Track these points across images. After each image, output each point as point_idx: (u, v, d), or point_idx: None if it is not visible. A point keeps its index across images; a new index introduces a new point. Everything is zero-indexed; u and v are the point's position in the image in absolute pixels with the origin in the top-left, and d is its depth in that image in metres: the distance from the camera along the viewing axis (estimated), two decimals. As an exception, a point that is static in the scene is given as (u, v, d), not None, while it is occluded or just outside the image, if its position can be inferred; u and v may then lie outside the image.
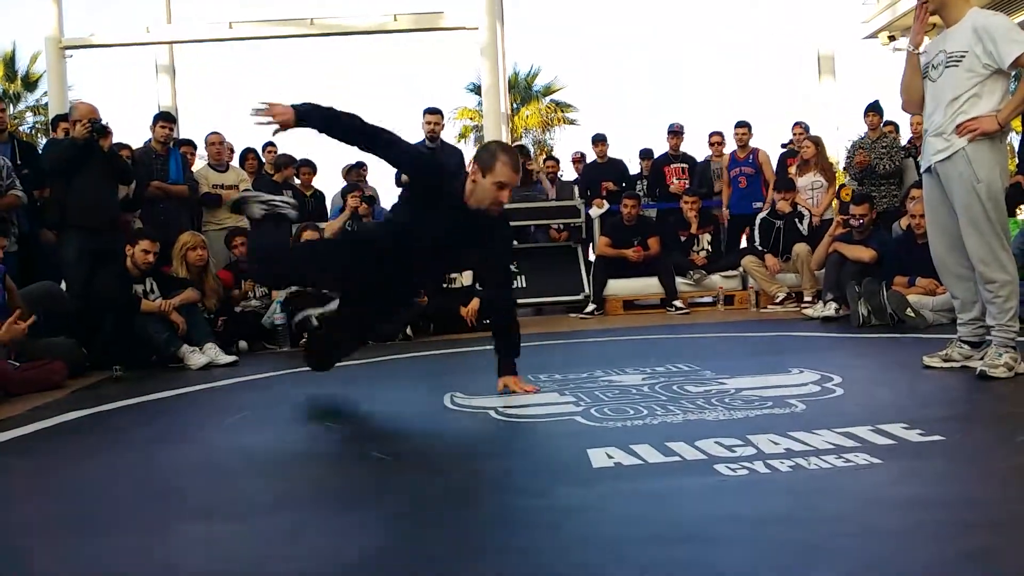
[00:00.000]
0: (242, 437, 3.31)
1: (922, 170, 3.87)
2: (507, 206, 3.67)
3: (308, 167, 8.49)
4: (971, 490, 2.17)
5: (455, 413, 3.50)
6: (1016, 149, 7.24)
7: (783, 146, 9.53)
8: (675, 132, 9.39)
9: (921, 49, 3.82)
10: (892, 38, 14.45)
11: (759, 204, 8.42)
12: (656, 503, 2.13)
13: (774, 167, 8.90)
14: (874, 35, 14.47)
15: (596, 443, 2.72)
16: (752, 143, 8.86)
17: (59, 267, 6.19)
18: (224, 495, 2.45)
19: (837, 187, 8.47)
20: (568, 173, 10.45)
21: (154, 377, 5.10)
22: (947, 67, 3.62)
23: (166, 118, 7.56)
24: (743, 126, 8.81)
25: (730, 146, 9.20)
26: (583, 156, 9.96)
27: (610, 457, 2.54)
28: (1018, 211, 8.16)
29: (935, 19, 3.84)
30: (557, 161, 10.44)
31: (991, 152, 3.58)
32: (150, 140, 7.45)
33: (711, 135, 9.39)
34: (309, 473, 2.67)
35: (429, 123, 7.81)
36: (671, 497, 2.17)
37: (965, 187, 3.58)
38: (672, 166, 9.34)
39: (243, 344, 6.27)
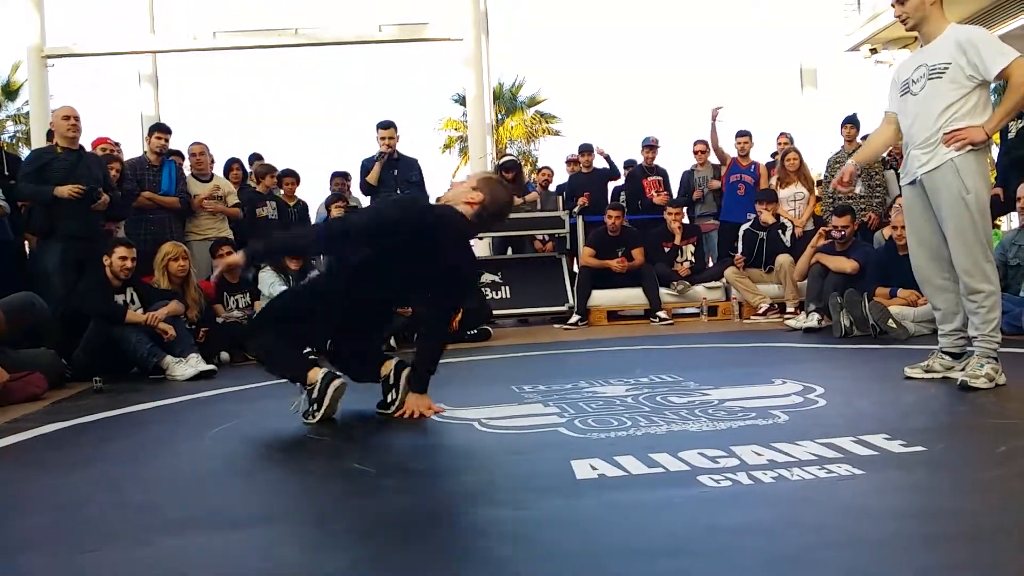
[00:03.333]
0: (222, 450, 3.28)
1: (904, 183, 3.90)
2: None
3: (291, 177, 8.45)
4: (952, 501, 2.17)
5: (438, 424, 3.49)
6: (994, 161, 7.32)
7: (772, 155, 9.56)
8: (650, 146, 9.44)
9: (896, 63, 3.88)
10: (874, 51, 14.60)
11: (752, 216, 8.41)
12: (639, 515, 2.13)
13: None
14: (856, 48, 14.62)
15: (580, 454, 2.71)
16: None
17: (40, 277, 6.12)
18: (203, 508, 2.43)
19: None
20: (561, 176, 10.50)
21: (135, 389, 5.05)
22: (929, 79, 3.65)
23: (161, 129, 7.53)
24: (744, 135, 8.82)
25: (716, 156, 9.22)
26: (577, 159, 10.00)
27: (594, 468, 2.54)
28: (999, 223, 8.25)
29: (913, 34, 3.89)
30: (552, 171, 10.49)
31: (977, 163, 3.61)
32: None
33: (695, 143, 9.42)
34: (288, 486, 2.65)
35: (383, 138, 7.72)
36: (654, 509, 2.17)
37: (953, 198, 3.60)
38: (649, 179, 9.37)
39: (225, 355, 6.22)
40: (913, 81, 3.73)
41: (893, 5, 3.77)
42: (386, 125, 7.77)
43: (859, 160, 4.14)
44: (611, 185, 9.90)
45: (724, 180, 8.86)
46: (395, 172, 7.61)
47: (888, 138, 4.05)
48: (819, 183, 8.56)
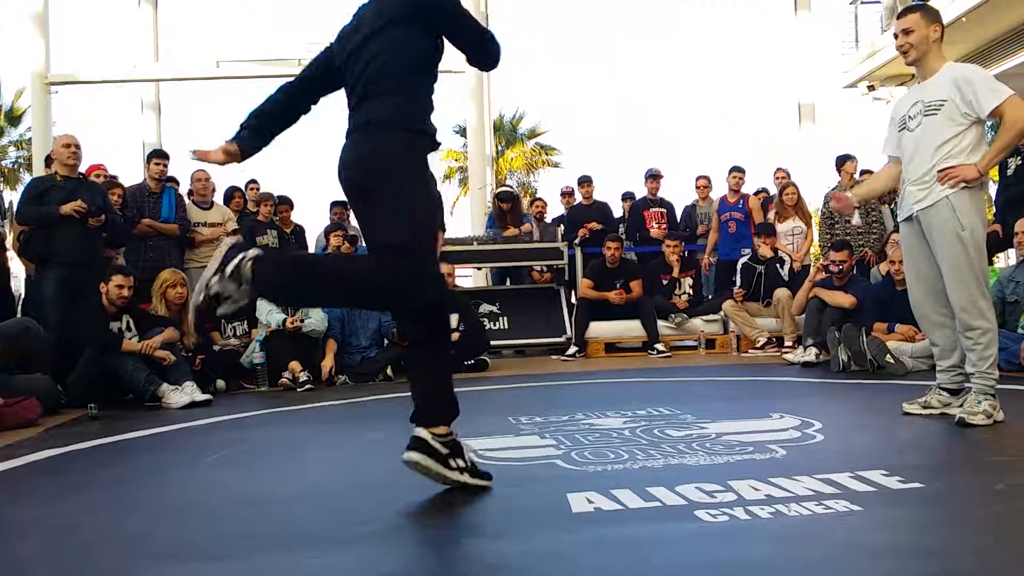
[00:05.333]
0: (217, 478, 3.26)
1: (900, 219, 3.93)
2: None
3: (285, 204, 8.50)
4: (950, 538, 2.16)
5: (434, 455, 3.46)
6: (992, 198, 7.35)
7: (758, 191, 9.59)
8: (653, 176, 9.44)
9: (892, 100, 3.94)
10: (871, 88, 14.73)
11: (747, 250, 8.43)
12: (636, 549, 2.11)
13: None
14: (854, 85, 14.75)
15: (576, 487, 2.69)
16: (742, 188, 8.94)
17: (38, 302, 6.11)
18: (196, 537, 2.41)
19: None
20: (555, 208, 10.52)
21: (130, 416, 5.03)
22: (925, 115, 3.68)
23: (160, 155, 7.60)
24: (738, 171, 8.87)
25: (719, 190, 9.27)
26: (572, 191, 10.05)
27: (590, 502, 2.52)
28: (995, 259, 8.27)
29: (911, 70, 3.93)
30: (545, 203, 10.52)
31: (973, 200, 3.63)
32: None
33: (698, 179, 9.45)
34: (281, 515, 2.62)
35: None
36: (651, 543, 2.15)
37: (949, 235, 3.62)
38: (651, 210, 9.39)
39: (221, 383, 6.20)
40: (910, 117, 3.77)
41: (896, 35, 3.81)
42: None
43: (858, 195, 4.26)
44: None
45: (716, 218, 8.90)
46: None
47: (890, 180, 4.09)
48: (825, 202, 8.56)
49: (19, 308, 6.68)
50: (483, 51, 2.86)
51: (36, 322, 5.60)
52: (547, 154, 31.52)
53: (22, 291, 6.90)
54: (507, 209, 9.25)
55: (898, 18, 3.82)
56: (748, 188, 9.19)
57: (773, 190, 9.33)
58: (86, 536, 2.47)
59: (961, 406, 3.69)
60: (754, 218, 8.71)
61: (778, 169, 9.53)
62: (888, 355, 5.65)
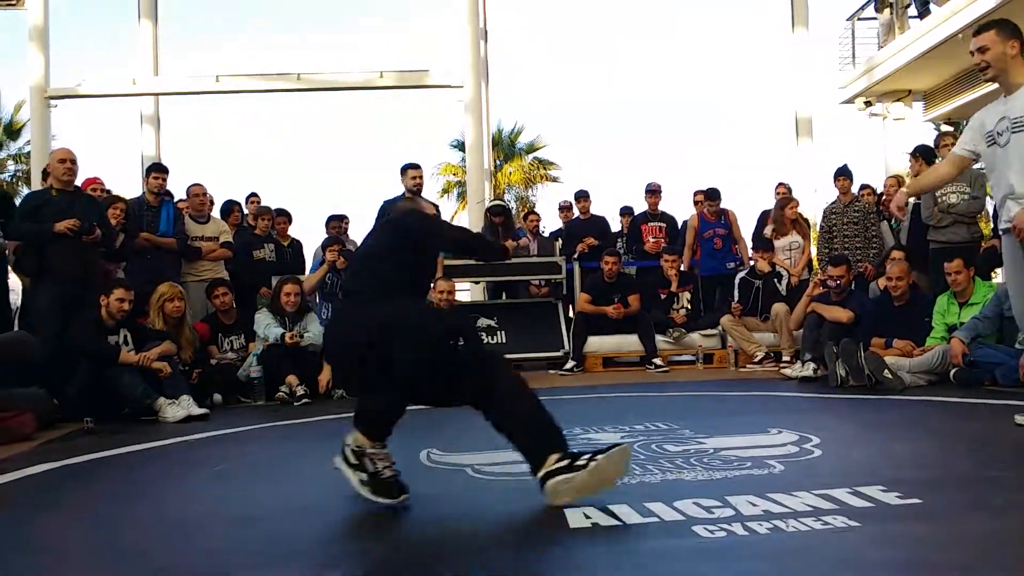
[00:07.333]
0: (213, 493, 3.24)
1: (1002, 229, 3.90)
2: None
3: (283, 216, 8.48)
4: (948, 554, 2.15)
5: (431, 470, 3.47)
6: (991, 214, 7.36)
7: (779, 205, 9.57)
8: (653, 191, 9.45)
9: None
10: (868, 103, 14.76)
11: (732, 264, 8.50)
12: (633, 565, 2.10)
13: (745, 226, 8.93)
14: (851, 100, 14.79)
15: (573, 502, 2.68)
16: (723, 205, 8.94)
17: (32, 316, 6.10)
18: (190, 553, 2.40)
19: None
20: (553, 222, 10.51)
21: (126, 430, 5.01)
22: (1013, 132, 3.65)
23: (159, 169, 7.59)
24: (711, 199, 8.80)
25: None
26: (570, 205, 10.06)
27: (587, 517, 2.51)
28: (994, 275, 8.28)
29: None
30: (539, 217, 10.50)
31: None
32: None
33: (695, 193, 9.45)
34: (278, 531, 2.61)
35: (414, 178, 7.82)
36: (649, 559, 2.14)
37: None
38: (650, 224, 9.39)
39: (217, 397, 6.18)
40: (999, 134, 3.72)
41: (972, 53, 3.76)
42: (414, 166, 7.85)
43: (911, 191, 4.11)
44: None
45: (696, 238, 8.89)
46: None
47: (941, 181, 4.06)
48: (825, 215, 8.56)
49: (16, 321, 6.67)
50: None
51: (31, 335, 5.59)
52: (546, 168, 31.56)
53: (19, 304, 6.88)
54: (499, 223, 9.23)
55: (974, 35, 3.77)
56: (735, 203, 9.17)
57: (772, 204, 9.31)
58: (81, 551, 2.46)
59: None
60: (734, 231, 8.77)
61: (779, 184, 9.51)
62: (886, 370, 5.64)
